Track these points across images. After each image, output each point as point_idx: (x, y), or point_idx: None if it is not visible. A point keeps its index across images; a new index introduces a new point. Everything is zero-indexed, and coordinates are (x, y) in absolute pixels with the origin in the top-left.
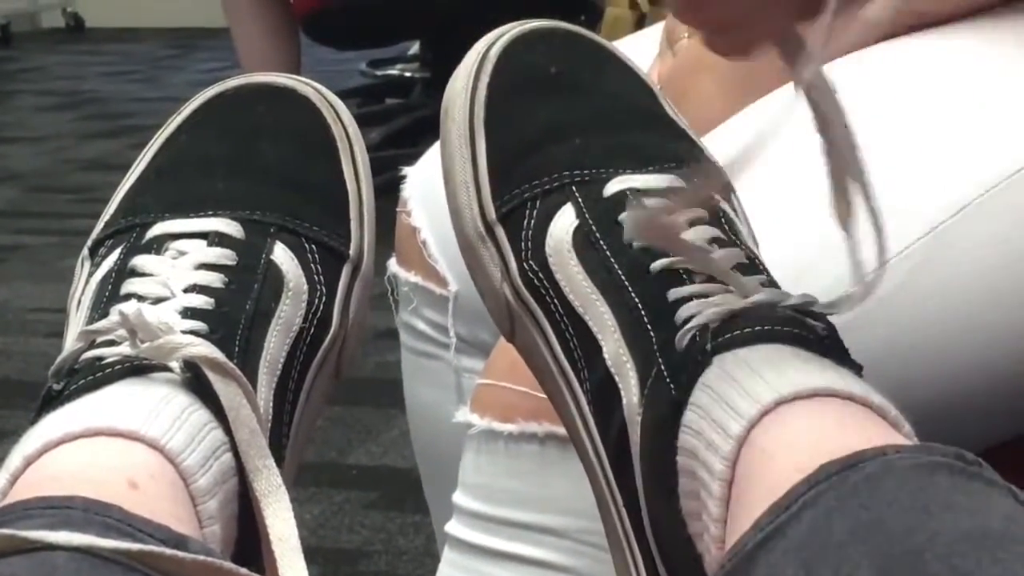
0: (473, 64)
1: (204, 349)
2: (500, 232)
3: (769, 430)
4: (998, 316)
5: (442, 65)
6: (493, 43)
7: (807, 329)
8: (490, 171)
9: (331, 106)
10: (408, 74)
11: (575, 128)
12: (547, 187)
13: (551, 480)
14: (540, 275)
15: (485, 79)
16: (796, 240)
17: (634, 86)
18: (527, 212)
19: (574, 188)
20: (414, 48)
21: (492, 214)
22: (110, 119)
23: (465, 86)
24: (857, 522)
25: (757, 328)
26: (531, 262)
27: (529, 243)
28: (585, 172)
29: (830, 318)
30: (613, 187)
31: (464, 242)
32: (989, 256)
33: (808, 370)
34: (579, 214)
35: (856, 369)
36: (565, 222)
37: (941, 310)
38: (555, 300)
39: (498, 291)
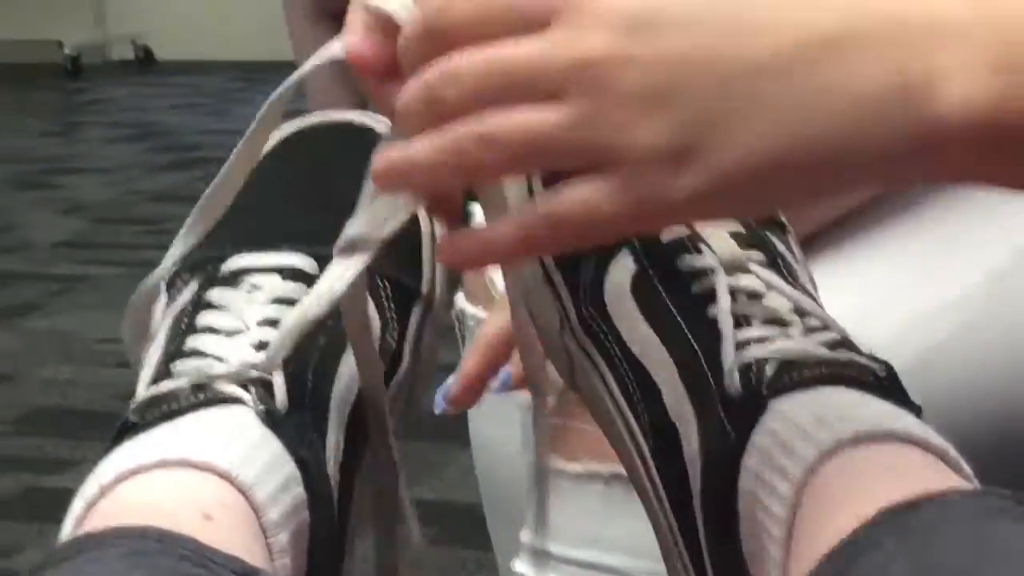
0: None
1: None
2: (558, 278)
3: (829, 474)
4: None
5: None
6: None
7: (866, 371)
8: None
9: None
10: None
11: None
12: None
13: (616, 520)
14: (599, 320)
15: None
16: (859, 287)
17: None
18: (584, 257)
19: None
20: None
21: (550, 260)
22: (178, 151)
23: None
24: (916, 566)
25: (816, 371)
26: (590, 307)
27: (587, 288)
28: None
29: (890, 360)
30: (671, 232)
31: (522, 289)
32: None
33: (867, 413)
34: (637, 259)
35: (915, 411)
36: (623, 267)
37: (1005, 353)
38: (614, 345)
39: (557, 336)
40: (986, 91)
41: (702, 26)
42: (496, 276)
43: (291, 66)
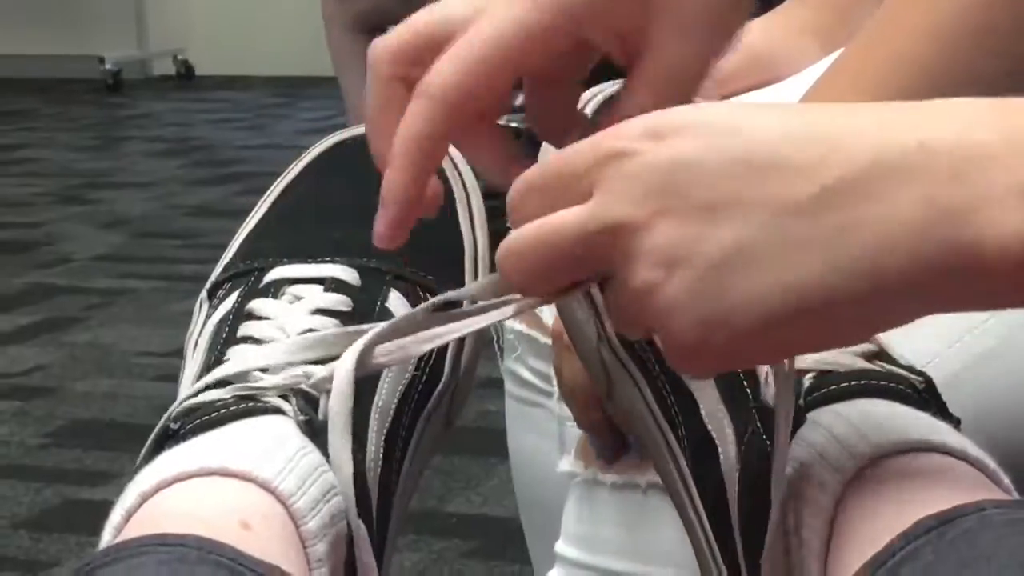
0: None
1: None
2: (595, 291)
3: (867, 485)
4: None
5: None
6: None
7: (904, 383)
8: None
9: (448, 157)
10: (514, 124)
11: None
12: None
13: (653, 530)
14: None
15: None
16: None
17: None
18: None
19: None
20: (519, 99)
21: None
22: (217, 166)
23: None
24: None
25: (853, 383)
26: None
27: None
28: None
29: (929, 371)
30: None
31: (561, 302)
32: None
33: (905, 425)
34: None
35: (954, 423)
36: None
37: None
38: (652, 358)
39: (595, 350)
40: (1017, 219)
41: (733, 175)
42: None
43: (330, 81)
